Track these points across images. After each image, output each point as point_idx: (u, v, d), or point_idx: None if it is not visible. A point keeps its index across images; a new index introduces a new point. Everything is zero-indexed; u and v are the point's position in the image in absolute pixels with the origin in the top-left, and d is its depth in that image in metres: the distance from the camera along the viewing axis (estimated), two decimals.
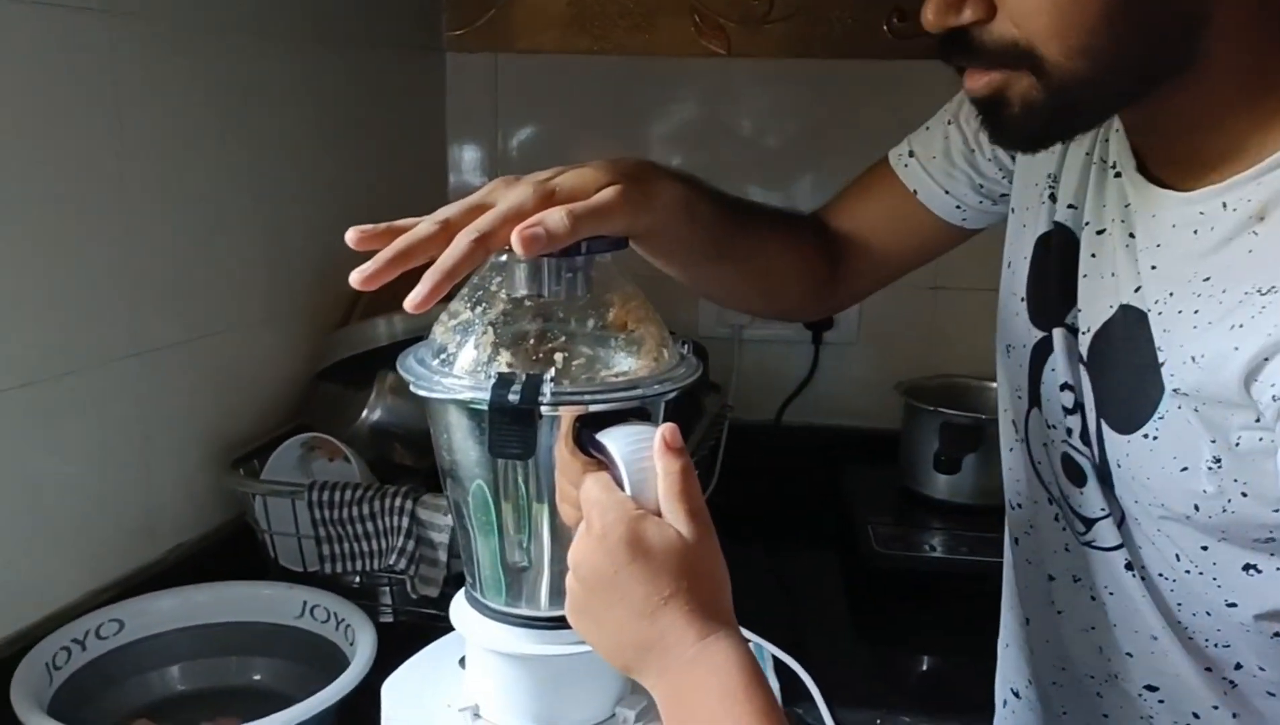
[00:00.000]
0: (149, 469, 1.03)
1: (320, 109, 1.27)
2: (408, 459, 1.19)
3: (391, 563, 1.00)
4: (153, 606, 0.96)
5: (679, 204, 0.72)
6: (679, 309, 1.55)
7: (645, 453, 0.56)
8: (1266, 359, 0.56)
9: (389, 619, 1.07)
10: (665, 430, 0.56)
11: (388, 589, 1.06)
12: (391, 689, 0.68)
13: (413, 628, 1.05)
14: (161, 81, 1.00)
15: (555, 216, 0.58)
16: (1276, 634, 0.65)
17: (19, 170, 0.86)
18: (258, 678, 0.97)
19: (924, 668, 1.18)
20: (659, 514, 0.56)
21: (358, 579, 1.06)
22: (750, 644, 1.06)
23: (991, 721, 0.94)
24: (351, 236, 0.60)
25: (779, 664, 1.04)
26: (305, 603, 0.97)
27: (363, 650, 0.88)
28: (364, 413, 1.17)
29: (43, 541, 0.92)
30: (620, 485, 0.56)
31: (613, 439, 0.57)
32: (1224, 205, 0.60)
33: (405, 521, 0.99)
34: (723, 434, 1.45)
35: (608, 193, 0.62)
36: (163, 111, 1.01)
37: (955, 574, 1.28)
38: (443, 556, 0.99)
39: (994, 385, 1.48)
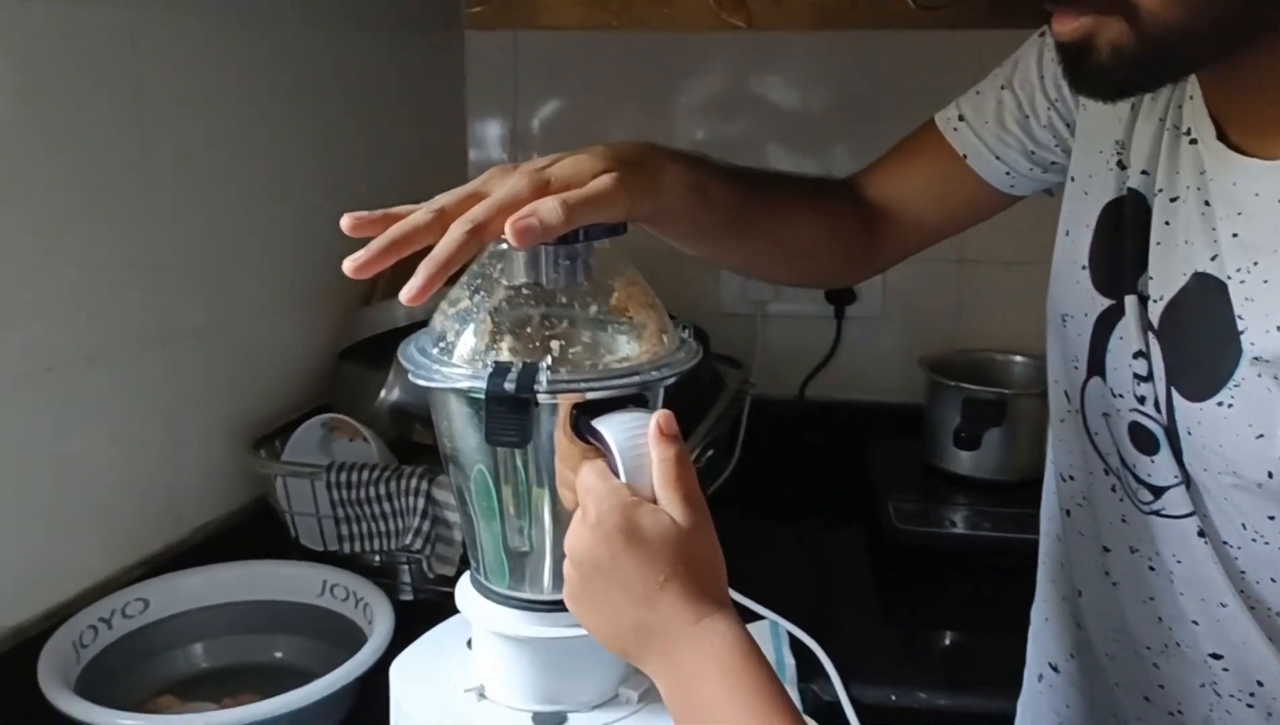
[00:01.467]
0: (173, 451, 1.05)
1: (339, 91, 1.28)
2: (428, 438, 1.20)
3: (408, 542, 1.01)
4: (177, 585, 0.98)
5: (684, 186, 0.71)
6: (700, 284, 1.54)
7: (640, 440, 0.57)
8: None
9: (409, 597, 1.08)
10: (660, 417, 0.57)
11: (407, 567, 1.08)
12: (400, 669, 0.69)
13: (432, 605, 1.06)
14: (182, 71, 1.02)
15: (549, 206, 0.57)
16: None
17: (45, 162, 0.88)
18: (279, 655, 0.99)
19: (945, 643, 1.18)
20: (654, 500, 0.56)
21: (378, 558, 1.07)
22: (766, 622, 1.06)
23: (1015, 696, 0.94)
24: (346, 222, 0.60)
25: (795, 641, 1.05)
26: (325, 582, 0.99)
27: (380, 628, 0.90)
28: (383, 392, 1.18)
29: (69, 522, 0.94)
30: (616, 473, 0.56)
31: (608, 426, 0.57)
32: None
33: (421, 502, 1.00)
34: (744, 410, 1.45)
35: (604, 180, 0.61)
36: (184, 100, 1.02)
37: (977, 550, 1.27)
38: (458, 535, 1.00)
39: (1020, 359, 1.49)
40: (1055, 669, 0.87)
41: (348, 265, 0.58)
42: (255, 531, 1.12)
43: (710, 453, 1.19)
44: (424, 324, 0.66)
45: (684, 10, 1.52)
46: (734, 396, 1.39)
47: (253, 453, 1.11)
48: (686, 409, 0.65)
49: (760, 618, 1.07)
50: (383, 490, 1.01)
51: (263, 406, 1.17)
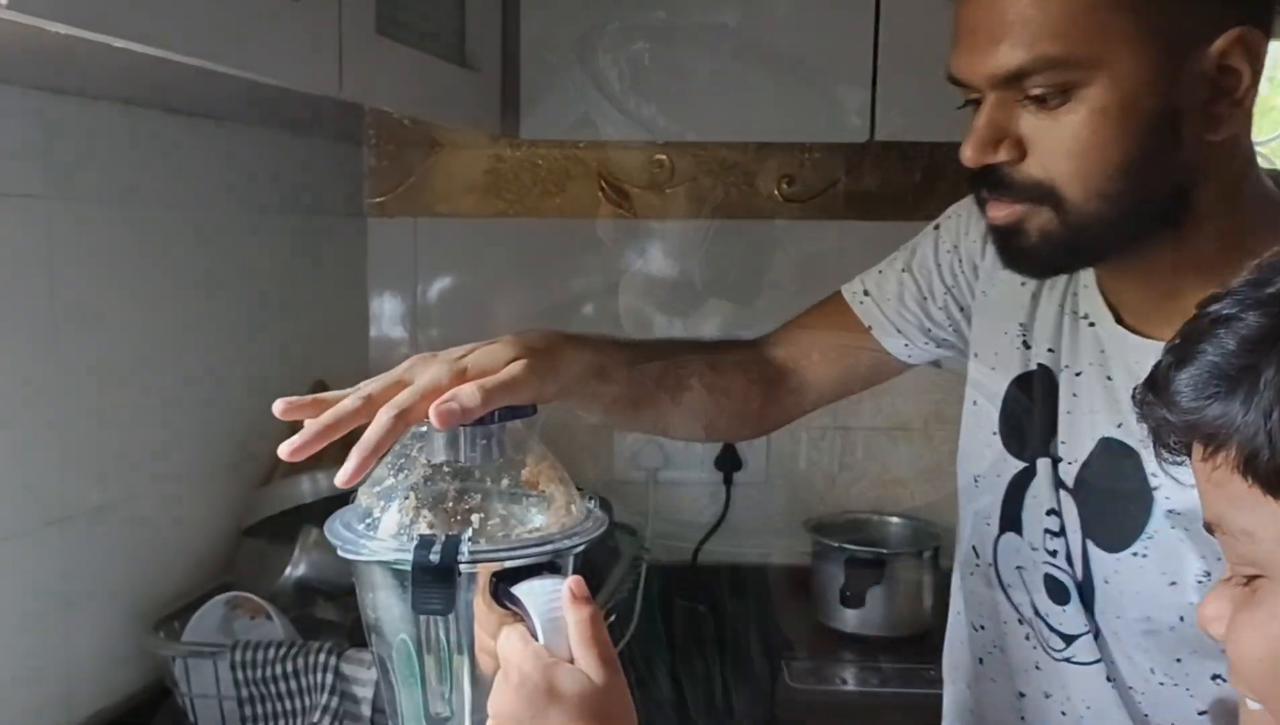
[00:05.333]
0: (69, 635, 1.04)
1: (246, 273, 1.33)
2: (331, 614, 1.21)
3: (315, 720, 1.01)
4: None
5: (587, 369, 0.78)
6: (594, 455, 1.60)
7: (556, 604, 0.61)
8: None
9: None
10: (572, 582, 0.62)
11: None
12: None
13: None
14: (95, 255, 1.06)
15: (468, 391, 0.64)
16: None
17: None
18: None
19: None
20: (571, 660, 0.61)
21: None
22: None
23: None
24: (279, 407, 0.65)
25: None
26: None
27: None
28: (288, 569, 1.19)
29: None
30: (534, 635, 0.61)
31: (526, 592, 0.62)
32: None
33: (329, 678, 1.00)
34: (640, 576, 1.49)
35: (516, 367, 0.68)
36: (96, 283, 1.06)
37: (869, 706, 1.32)
38: (367, 711, 1.01)
39: (895, 520, 1.59)
40: None
41: (284, 449, 0.63)
42: (150, 717, 1.10)
43: (613, 618, 1.23)
44: (330, 500, 0.70)
45: (573, 200, 1.64)
46: (630, 564, 1.43)
47: (152, 634, 1.10)
48: (587, 578, 0.70)
49: None
50: (289, 668, 1.02)
51: (163, 585, 1.17)
